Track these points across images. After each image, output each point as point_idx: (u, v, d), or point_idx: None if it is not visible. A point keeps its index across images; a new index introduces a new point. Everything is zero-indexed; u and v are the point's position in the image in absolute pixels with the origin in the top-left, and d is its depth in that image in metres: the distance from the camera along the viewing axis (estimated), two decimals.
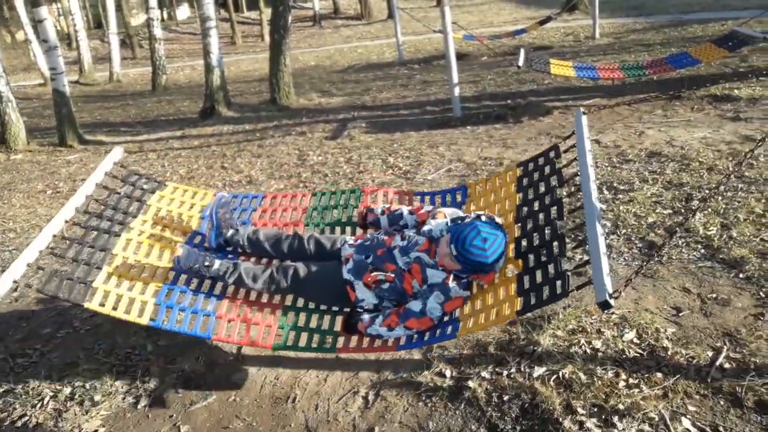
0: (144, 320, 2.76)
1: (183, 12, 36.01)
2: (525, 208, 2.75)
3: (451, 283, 2.48)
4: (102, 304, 2.76)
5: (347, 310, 2.74)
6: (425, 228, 2.72)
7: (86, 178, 3.18)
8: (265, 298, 2.90)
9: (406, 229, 2.90)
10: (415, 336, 2.51)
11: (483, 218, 2.51)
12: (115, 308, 2.76)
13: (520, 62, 7.27)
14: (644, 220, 3.95)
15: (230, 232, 3.06)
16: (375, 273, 2.62)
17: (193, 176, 6.79)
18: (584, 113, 2.78)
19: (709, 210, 3.93)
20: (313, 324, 2.77)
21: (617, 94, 7.69)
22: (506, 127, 7.04)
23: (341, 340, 2.66)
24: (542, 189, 2.75)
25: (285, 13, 9.99)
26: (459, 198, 3.18)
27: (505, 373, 2.64)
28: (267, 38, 14.54)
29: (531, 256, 2.47)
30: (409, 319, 2.47)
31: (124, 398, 2.84)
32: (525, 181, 2.91)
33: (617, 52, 11.08)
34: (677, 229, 2.34)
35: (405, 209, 2.97)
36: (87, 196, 3.14)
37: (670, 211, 4.03)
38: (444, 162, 5.95)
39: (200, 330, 2.74)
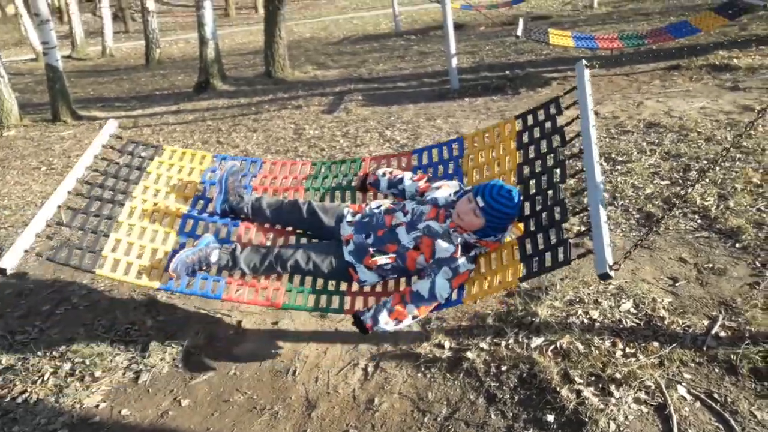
0: (156, 285, 2.79)
1: None
2: (526, 168, 2.69)
3: (460, 258, 2.44)
4: (113, 271, 2.79)
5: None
6: (430, 196, 2.68)
7: (81, 154, 3.17)
8: None
9: (407, 200, 2.83)
10: None
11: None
12: (126, 274, 2.79)
13: (519, 32, 7.18)
14: (642, 191, 3.94)
15: (236, 200, 3.09)
16: (376, 258, 2.58)
17: None
18: (587, 66, 2.61)
19: (707, 180, 3.92)
20: (320, 286, 2.79)
21: (616, 65, 7.62)
22: (504, 98, 6.99)
23: (348, 300, 2.69)
24: (544, 148, 2.66)
25: None
26: (456, 151, 3.09)
27: (503, 343, 2.66)
28: (261, 9, 14.31)
29: (532, 221, 2.46)
30: (419, 307, 2.41)
31: (124, 373, 2.86)
32: (525, 137, 2.81)
33: (616, 22, 10.96)
34: (676, 201, 2.31)
35: (407, 175, 2.92)
36: (86, 167, 3.13)
37: (668, 182, 4.02)
38: (442, 135, 5.91)
39: (211, 292, 2.77)
